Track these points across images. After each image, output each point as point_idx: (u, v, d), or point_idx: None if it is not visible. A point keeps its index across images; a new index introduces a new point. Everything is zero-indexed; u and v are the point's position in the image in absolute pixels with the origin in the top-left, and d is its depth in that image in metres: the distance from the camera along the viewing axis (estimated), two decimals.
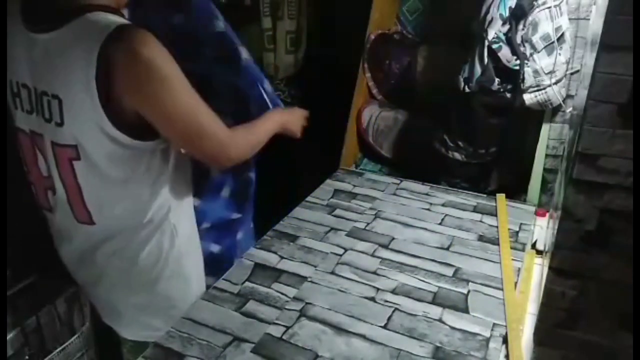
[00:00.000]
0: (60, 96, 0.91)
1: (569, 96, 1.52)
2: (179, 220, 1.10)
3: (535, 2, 1.40)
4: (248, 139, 1.12)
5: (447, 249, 1.30)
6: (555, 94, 1.45)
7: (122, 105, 0.90)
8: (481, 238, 1.35)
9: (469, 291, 1.14)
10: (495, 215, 1.46)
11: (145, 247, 1.06)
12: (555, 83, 1.44)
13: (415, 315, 1.06)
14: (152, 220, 1.05)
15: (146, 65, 0.87)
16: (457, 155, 1.63)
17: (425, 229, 1.39)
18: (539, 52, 1.41)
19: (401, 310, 1.08)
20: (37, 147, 1.01)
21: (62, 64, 0.89)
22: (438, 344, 0.99)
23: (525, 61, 1.42)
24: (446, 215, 1.46)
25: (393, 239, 1.34)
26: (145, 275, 1.09)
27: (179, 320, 1.05)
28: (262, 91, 1.25)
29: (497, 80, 1.47)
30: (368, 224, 1.41)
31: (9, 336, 1.22)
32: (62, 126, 0.92)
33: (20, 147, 1.05)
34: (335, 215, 1.46)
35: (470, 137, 1.60)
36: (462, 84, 1.52)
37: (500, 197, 1.55)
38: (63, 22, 0.89)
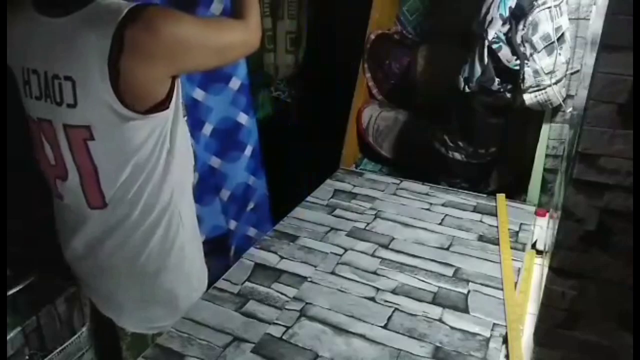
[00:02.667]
0: (74, 77, 0.93)
1: (569, 96, 1.52)
2: (183, 208, 1.10)
3: (535, 2, 1.40)
4: (257, 18, 1.14)
5: (447, 249, 1.30)
6: (555, 94, 1.45)
7: (134, 83, 0.93)
8: (481, 238, 1.35)
9: (469, 291, 1.14)
10: (495, 215, 1.46)
11: (153, 236, 1.07)
12: (555, 83, 1.44)
13: (415, 315, 1.06)
14: (160, 205, 1.05)
15: (167, 40, 0.92)
16: (457, 155, 1.63)
17: (425, 229, 1.39)
18: (539, 52, 1.41)
19: (401, 310, 1.08)
20: (44, 135, 1.02)
21: (76, 46, 0.92)
22: (438, 344, 0.99)
23: (525, 61, 1.42)
24: (446, 215, 1.46)
25: (393, 239, 1.34)
26: (149, 266, 1.09)
27: (179, 320, 1.05)
28: None
29: (497, 80, 1.47)
30: (368, 224, 1.41)
31: (9, 336, 1.22)
32: (75, 107, 0.95)
33: (31, 136, 1.07)
34: (335, 215, 1.46)
35: (470, 137, 1.60)
36: (462, 84, 1.52)
37: (500, 197, 1.55)
38: (78, 7, 0.93)
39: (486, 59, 1.46)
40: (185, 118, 1.12)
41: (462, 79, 1.52)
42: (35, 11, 0.96)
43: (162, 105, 0.98)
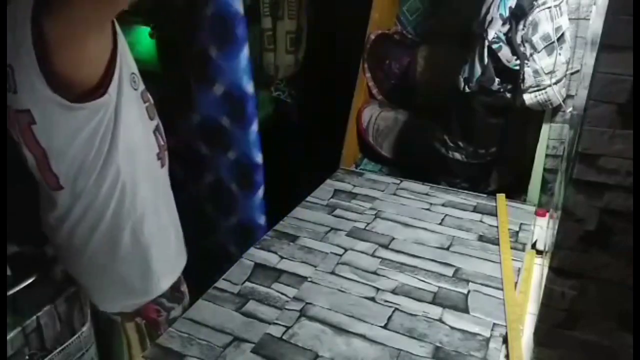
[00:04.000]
0: (12, 64, 0.97)
1: (569, 96, 1.52)
2: (138, 191, 1.10)
3: (535, 2, 1.40)
4: None
5: (447, 249, 1.30)
6: (555, 94, 1.45)
7: (58, 66, 0.93)
8: (481, 238, 1.35)
9: (469, 291, 1.14)
10: (495, 215, 1.46)
11: (105, 214, 1.08)
12: (555, 83, 1.44)
13: (415, 315, 1.06)
14: (106, 188, 1.06)
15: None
16: (457, 155, 1.63)
17: (425, 229, 1.39)
18: (539, 52, 1.41)
19: (401, 310, 1.08)
20: (12, 123, 1.04)
21: (11, 34, 0.95)
22: (438, 344, 0.99)
23: (525, 61, 1.42)
24: (446, 215, 1.46)
25: (393, 239, 1.34)
26: (102, 246, 1.11)
27: (179, 320, 1.05)
28: None
29: (497, 80, 1.47)
30: (368, 224, 1.41)
31: (9, 336, 1.22)
32: (17, 93, 0.98)
33: None
34: (335, 215, 1.46)
35: (470, 137, 1.60)
36: (462, 84, 1.52)
37: (500, 197, 1.55)
38: None
39: (486, 59, 1.46)
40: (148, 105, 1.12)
41: (462, 79, 1.52)
42: None
43: (95, 92, 0.98)
